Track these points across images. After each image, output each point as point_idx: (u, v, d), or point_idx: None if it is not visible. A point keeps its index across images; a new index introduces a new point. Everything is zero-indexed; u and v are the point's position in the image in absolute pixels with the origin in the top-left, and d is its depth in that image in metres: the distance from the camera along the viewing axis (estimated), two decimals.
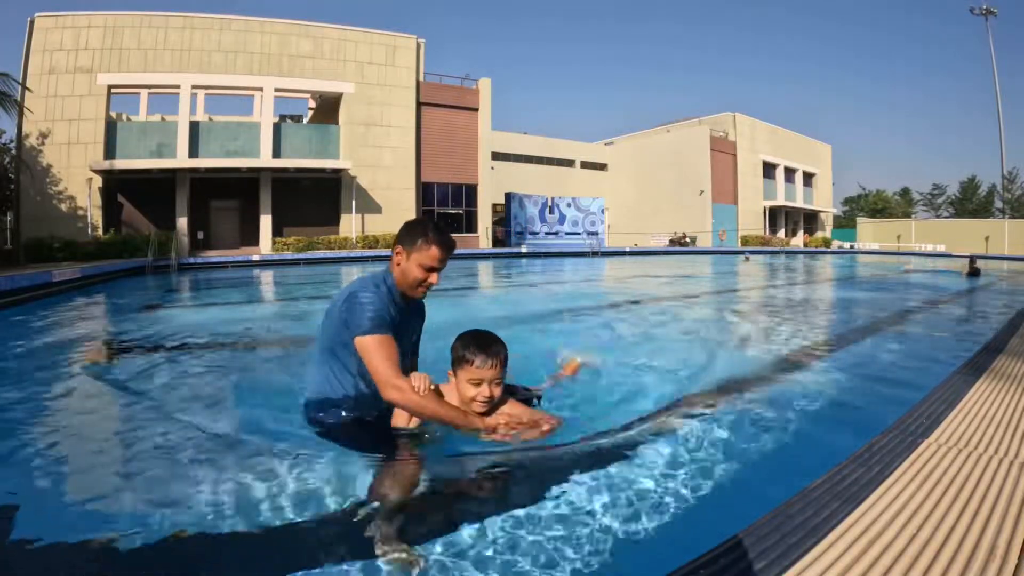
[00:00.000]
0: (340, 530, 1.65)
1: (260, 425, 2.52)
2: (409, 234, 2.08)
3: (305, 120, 27.04)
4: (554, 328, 5.78)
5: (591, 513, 1.72)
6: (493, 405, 2.00)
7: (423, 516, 1.72)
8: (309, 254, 19.44)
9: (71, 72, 18.73)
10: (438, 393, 2.00)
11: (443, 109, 24.48)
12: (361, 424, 2.12)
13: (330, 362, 2.10)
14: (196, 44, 20.19)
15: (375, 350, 1.91)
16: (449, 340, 2.10)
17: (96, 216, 18.75)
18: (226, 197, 21.03)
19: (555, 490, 1.86)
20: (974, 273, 11.95)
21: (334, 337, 2.06)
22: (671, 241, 33.69)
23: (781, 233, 39.79)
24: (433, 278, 2.09)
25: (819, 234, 42.95)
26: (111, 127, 19.40)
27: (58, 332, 5.71)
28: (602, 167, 40.03)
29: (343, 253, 20.25)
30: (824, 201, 43.91)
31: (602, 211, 31.48)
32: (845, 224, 49.40)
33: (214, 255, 19.00)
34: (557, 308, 7.54)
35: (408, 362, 2.21)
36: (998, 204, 50.43)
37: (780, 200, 38.76)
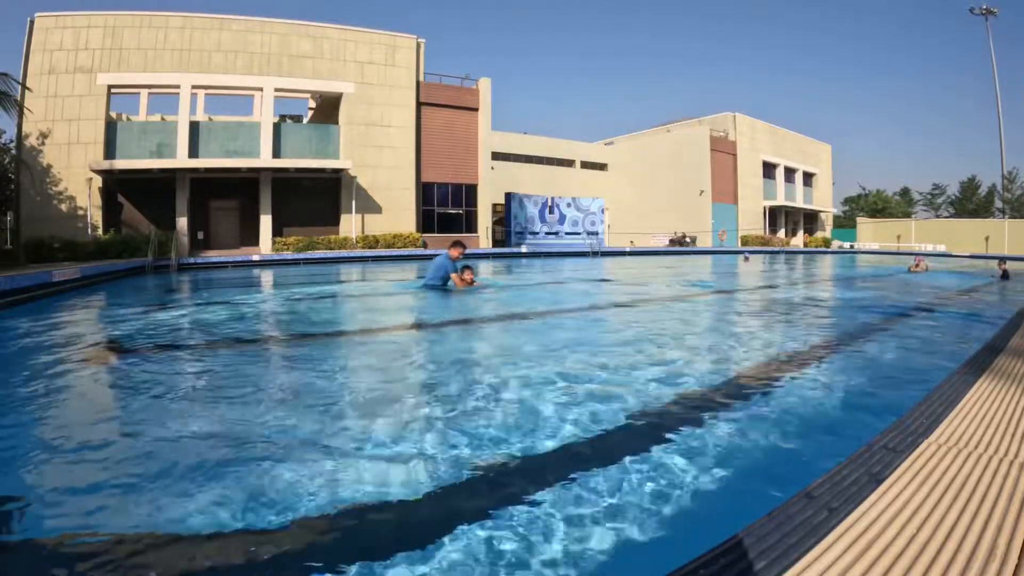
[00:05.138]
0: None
1: (259, 423, 2.52)
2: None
3: (305, 120, 27.03)
4: (555, 326, 5.78)
5: (591, 513, 1.71)
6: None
7: None
8: (309, 254, 19.44)
9: (71, 72, 18.72)
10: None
11: (443, 109, 24.47)
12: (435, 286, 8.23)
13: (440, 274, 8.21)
14: (196, 44, 20.18)
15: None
16: None
17: (96, 216, 18.74)
18: (226, 197, 21.01)
19: (556, 490, 1.86)
20: (1004, 275, 12.22)
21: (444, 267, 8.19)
22: (671, 241, 33.69)
23: (781, 233, 39.80)
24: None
25: (819, 234, 42.95)
26: (111, 127, 19.39)
27: (58, 332, 5.70)
28: (602, 167, 40.02)
29: (343, 253, 20.25)
30: (824, 201, 43.91)
31: (602, 211, 31.46)
32: (845, 224, 49.38)
33: (214, 255, 18.99)
34: (559, 307, 7.54)
35: (460, 272, 8.28)
36: (998, 204, 50.38)
37: (780, 200, 38.77)
